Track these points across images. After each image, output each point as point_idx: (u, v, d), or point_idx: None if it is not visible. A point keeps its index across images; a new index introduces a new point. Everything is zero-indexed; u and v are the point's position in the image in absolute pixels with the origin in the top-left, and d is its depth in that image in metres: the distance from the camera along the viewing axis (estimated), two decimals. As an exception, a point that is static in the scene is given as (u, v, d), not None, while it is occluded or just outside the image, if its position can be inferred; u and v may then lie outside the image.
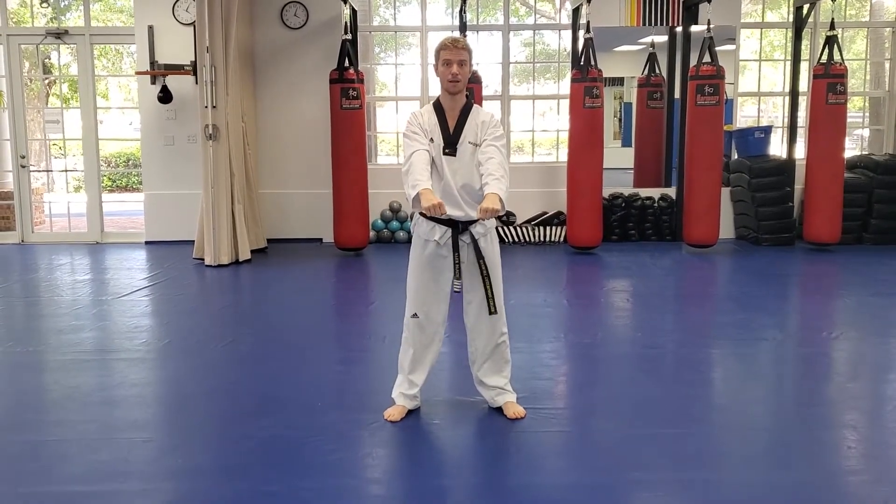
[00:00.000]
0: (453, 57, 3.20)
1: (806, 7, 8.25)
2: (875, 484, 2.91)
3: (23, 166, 8.72)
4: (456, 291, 3.29)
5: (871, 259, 7.48)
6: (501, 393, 3.51)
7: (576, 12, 8.26)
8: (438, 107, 3.31)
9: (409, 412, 3.49)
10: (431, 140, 3.25)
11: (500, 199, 3.06)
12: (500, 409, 3.50)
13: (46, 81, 11.53)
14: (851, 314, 5.67)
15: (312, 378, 4.14)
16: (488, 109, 3.49)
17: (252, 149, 8.06)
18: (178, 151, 8.39)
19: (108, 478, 2.95)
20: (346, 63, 7.64)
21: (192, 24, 7.71)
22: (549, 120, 10.13)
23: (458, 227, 3.27)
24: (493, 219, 3.24)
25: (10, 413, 3.69)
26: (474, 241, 3.28)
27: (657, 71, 8.91)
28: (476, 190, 3.23)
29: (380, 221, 8.52)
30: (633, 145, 9.19)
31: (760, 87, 9.55)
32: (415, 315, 3.40)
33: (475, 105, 3.34)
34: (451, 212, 3.21)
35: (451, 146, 3.25)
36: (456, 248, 3.25)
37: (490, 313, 3.31)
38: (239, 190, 7.51)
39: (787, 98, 8.66)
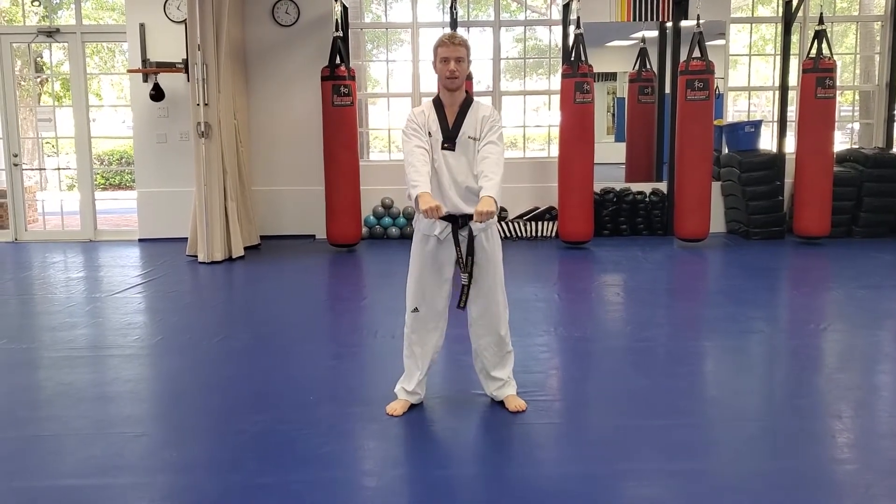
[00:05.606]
0: (450, 54, 3.22)
1: (795, 1, 8.29)
2: (860, 472, 2.95)
3: (15, 165, 8.70)
4: (464, 284, 3.30)
5: (861, 252, 7.53)
6: (503, 386, 3.52)
7: (566, 8, 8.27)
8: (438, 103, 3.33)
9: (412, 406, 3.51)
10: (430, 135, 3.28)
11: (496, 202, 3.10)
12: (501, 403, 3.53)
13: (38, 80, 11.52)
14: (840, 306, 5.72)
15: (305, 373, 4.17)
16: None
17: (244, 146, 8.06)
18: (171, 149, 8.39)
19: (102, 472, 2.98)
20: (338, 60, 7.65)
21: (184, 21, 7.71)
22: (541, 115, 10.15)
23: (458, 223, 3.29)
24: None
25: (3, 409, 3.71)
26: (471, 237, 3.30)
27: (648, 66, 8.94)
28: (474, 186, 3.24)
29: (372, 217, 8.54)
30: (625, 140, 9.22)
31: (751, 82, 9.60)
32: (415, 310, 3.42)
33: (475, 100, 3.35)
34: (451, 208, 3.25)
35: (449, 141, 3.27)
36: (457, 244, 3.28)
37: (458, 307, 3.34)
38: (232, 187, 7.52)
39: (777, 92, 8.71)
